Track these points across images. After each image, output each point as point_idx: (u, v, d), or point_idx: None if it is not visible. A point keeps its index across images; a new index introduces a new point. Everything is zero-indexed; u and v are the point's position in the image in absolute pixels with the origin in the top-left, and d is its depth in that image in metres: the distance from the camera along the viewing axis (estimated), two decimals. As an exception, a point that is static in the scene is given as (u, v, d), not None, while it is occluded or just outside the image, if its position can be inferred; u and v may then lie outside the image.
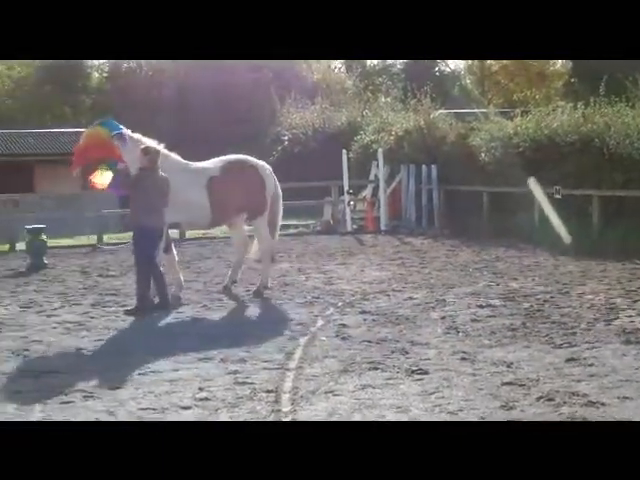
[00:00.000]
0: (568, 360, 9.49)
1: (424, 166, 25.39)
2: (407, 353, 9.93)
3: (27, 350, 10.49)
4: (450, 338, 10.75)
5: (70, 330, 11.70)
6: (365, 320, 11.98)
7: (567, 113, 22.93)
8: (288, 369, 9.30)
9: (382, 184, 25.92)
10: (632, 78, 23.24)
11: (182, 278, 14.08)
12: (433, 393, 8.23)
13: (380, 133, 28.65)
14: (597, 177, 20.60)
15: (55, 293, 14.82)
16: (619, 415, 7.42)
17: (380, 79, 58.33)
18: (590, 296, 13.51)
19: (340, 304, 13.23)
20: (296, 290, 14.67)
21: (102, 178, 13.54)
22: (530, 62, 57.39)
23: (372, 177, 27.27)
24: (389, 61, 65.84)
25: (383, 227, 25.24)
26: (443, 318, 12.00)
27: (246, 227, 15.03)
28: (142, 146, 13.05)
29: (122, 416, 7.69)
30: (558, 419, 7.31)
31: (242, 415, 7.63)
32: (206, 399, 8.18)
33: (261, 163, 14.74)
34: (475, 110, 29.83)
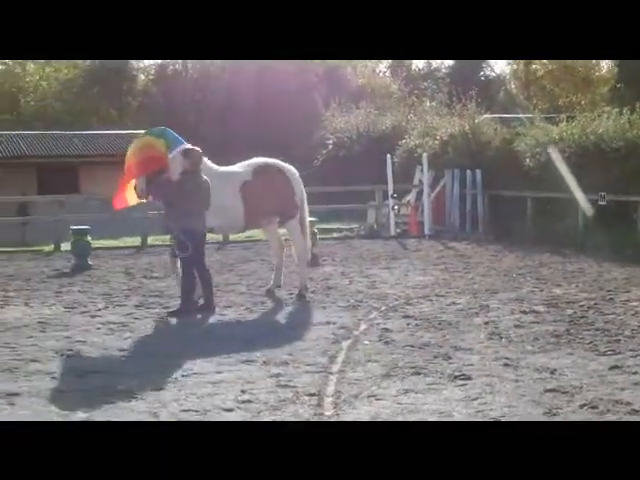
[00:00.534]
0: (612, 368, 9.38)
1: (468, 171, 25.35)
2: (450, 358, 9.89)
3: (71, 350, 10.54)
4: (493, 344, 10.68)
5: (114, 331, 11.76)
6: (408, 325, 11.94)
7: (613, 119, 22.79)
8: (331, 373, 9.28)
9: (426, 189, 25.85)
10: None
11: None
12: (476, 399, 8.18)
13: (425, 137, 28.64)
14: (642, 183, 20.46)
15: (99, 294, 14.92)
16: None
17: (425, 83, 58.42)
18: (634, 303, 13.39)
19: (383, 308, 13.21)
20: (339, 294, 14.66)
21: (132, 196, 13.51)
22: (576, 67, 57.14)
23: (416, 181, 27.24)
24: (434, 65, 65.89)
25: (427, 232, 25.14)
26: (486, 324, 11.93)
27: (281, 230, 15.07)
28: (183, 148, 13.08)
29: (165, 417, 7.70)
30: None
31: (285, 418, 7.62)
32: (248, 401, 8.17)
33: (288, 167, 14.73)
34: (520, 115, 29.73)
